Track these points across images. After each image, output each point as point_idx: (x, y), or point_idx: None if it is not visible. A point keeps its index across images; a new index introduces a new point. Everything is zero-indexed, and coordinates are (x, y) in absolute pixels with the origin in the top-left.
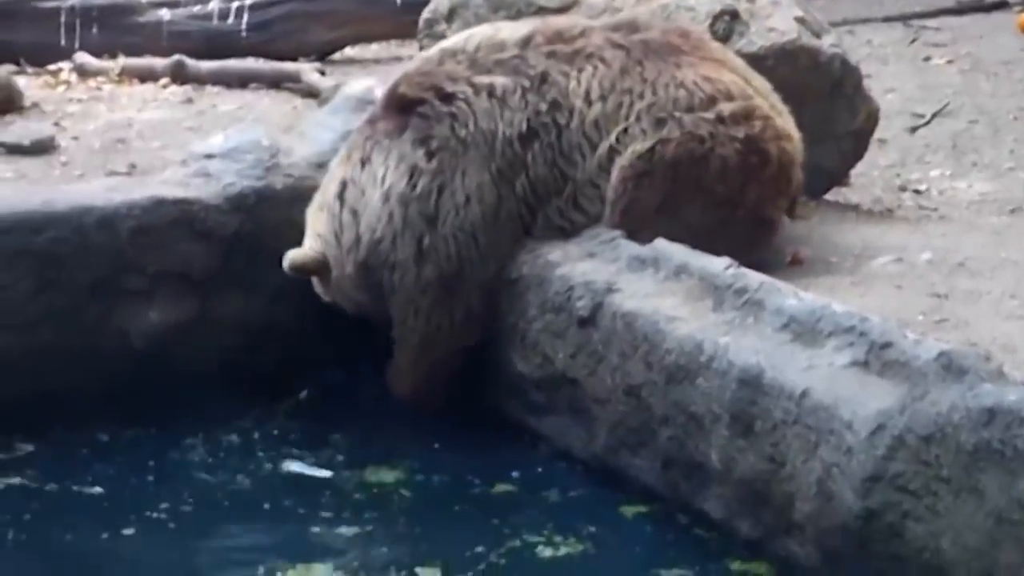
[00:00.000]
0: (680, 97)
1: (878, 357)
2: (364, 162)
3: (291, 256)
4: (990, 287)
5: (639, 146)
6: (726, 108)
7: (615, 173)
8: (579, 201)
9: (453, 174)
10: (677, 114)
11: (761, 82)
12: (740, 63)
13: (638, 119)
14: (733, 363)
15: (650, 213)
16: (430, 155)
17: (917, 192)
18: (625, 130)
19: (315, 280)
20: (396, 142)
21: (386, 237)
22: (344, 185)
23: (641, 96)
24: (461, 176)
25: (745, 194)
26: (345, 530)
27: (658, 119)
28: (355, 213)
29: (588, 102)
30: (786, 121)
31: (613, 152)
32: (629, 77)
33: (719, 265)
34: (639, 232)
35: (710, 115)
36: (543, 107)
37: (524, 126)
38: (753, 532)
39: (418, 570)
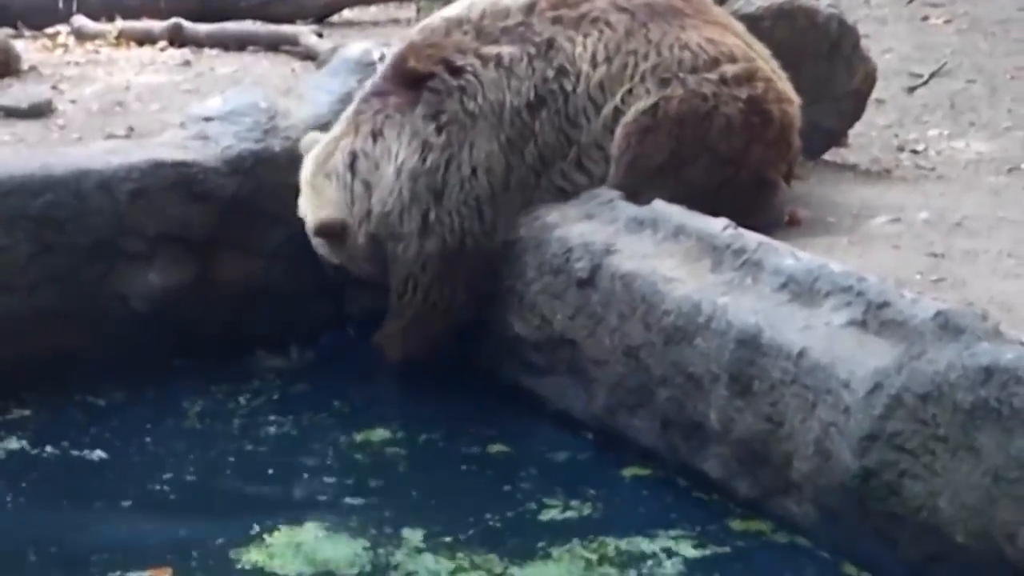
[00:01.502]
0: (684, 58)
1: (875, 316)
2: (376, 135)
3: (320, 218)
4: (987, 246)
5: (643, 104)
6: (729, 70)
7: (619, 130)
8: (583, 163)
9: (461, 147)
10: (681, 75)
11: (761, 48)
12: (741, 27)
13: (643, 80)
14: (731, 323)
15: (654, 169)
16: (440, 129)
17: (915, 152)
18: (630, 91)
19: (323, 242)
20: (408, 117)
21: (394, 210)
22: (355, 157)
23: (646, 57)
24: (469, 149)
25: (748, 154)
26: (338, 490)
27: (662, 79)
28: (367, 185)
29: (594, 65)
30: (786, 85)
31: (618, 113)
32: (634, 39)
33: (717, 226)
34: (642, 191)
35: (714, 76)
36: (550, 74)
37: (532, 94)
38: (752, 492)
39: (404, 531)
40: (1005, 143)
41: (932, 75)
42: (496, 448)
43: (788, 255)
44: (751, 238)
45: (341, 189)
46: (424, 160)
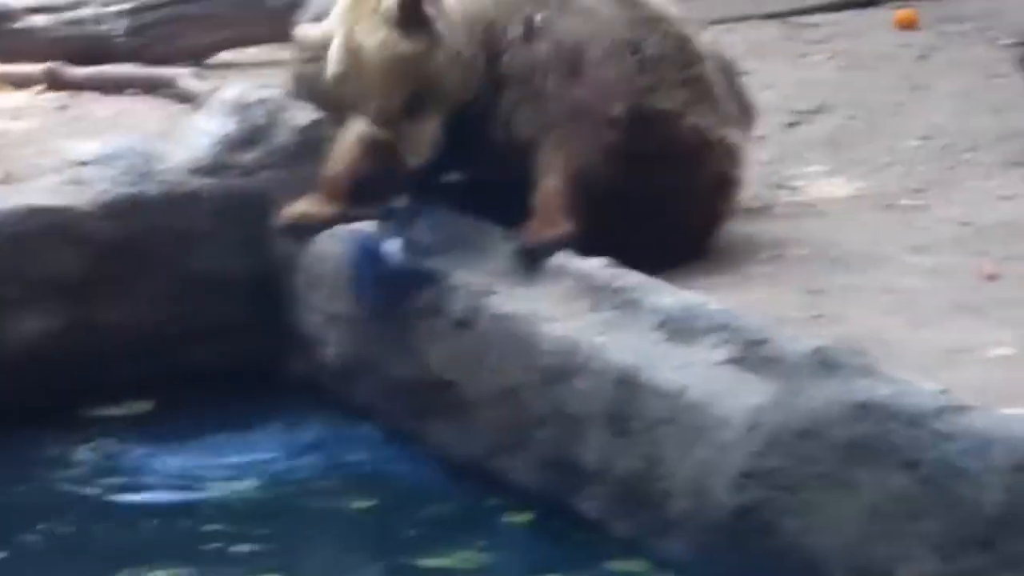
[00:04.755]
0: None
1: (753, 354)
2: None
3: None
4: (866, 282)
5: None
6: None
7: None
8: None
9: None
10: None
11: None
12: None
13: None
14: (609, 363)
15: None
16: None
17: (794, 188)
18: None
19: None
20: None
21: None
22: None
23: None
24: None
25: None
26: (198, 549)
27: None
28: None
29: None
30: None
31: None
32: None
33: (596, 265)
34: None
35: None
36: None
37: None
38: (630, 531)
39: None
40: (884, 179)
41: (812, 112)
42: (373, 494)
43: (666, 293)
44: (630, 277)
45: None
46: None
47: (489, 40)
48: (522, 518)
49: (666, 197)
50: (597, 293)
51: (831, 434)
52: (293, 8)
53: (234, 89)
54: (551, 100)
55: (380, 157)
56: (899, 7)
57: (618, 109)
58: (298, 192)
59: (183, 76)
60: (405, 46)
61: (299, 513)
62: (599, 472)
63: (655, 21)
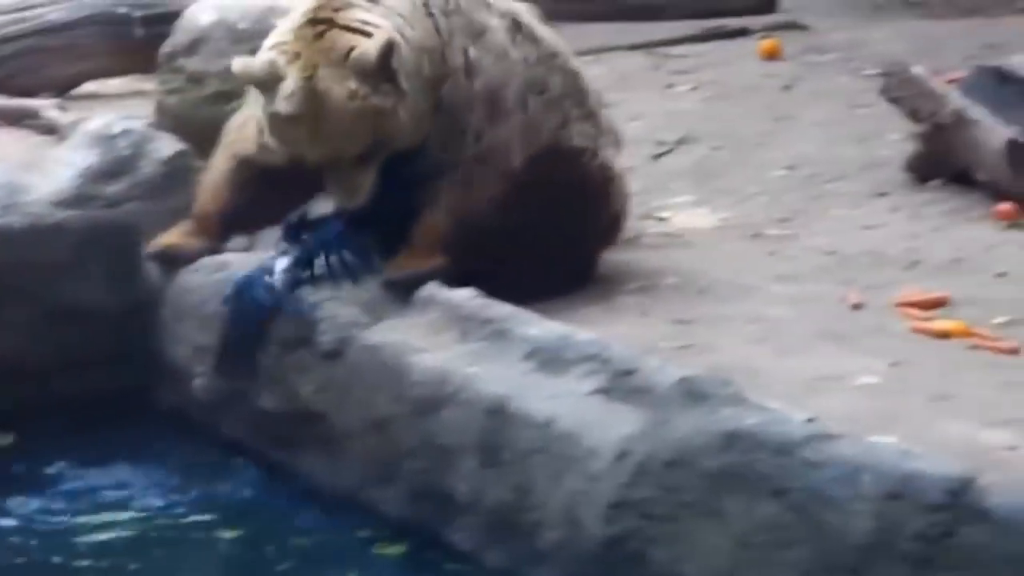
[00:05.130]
0: None
1: (621, 384)
2: None
3: None
4: (733, 312)
5: None
6: None
7: None
8: None
9: None
10: None
11: None
12: None
13: None
14: (479, 393)
15: None
16: None
17: (662, 219)
18: None
19: None
20: None
21: None
22: None
23: None
24: None
25: None
26: None
27: None
28: None
29: None
30: None
31: None
32: None
33: (464, 295)
34: None
35: None
36: None
37: None
38: (502, 562)
39: None
40: (750, 209)
41: (678, 142)
42: (244, 526)
43: (535, 324)
44: (498, 308)
45: None
46: None
47: (435, 69)
48: (394, 550)
49: (572, 231)
50: (466, 323)
51: (700, 463)
52: (157, 39)
53: (98, 120)
54: (468, 137)
55: (256, 190)
56: (763, 37)
57: (525, 155)
58: (164, 223)
59: (46, 107)
60: (377, 100)
61: (170, 547)
62: (470, 503)
63: (552, 57)
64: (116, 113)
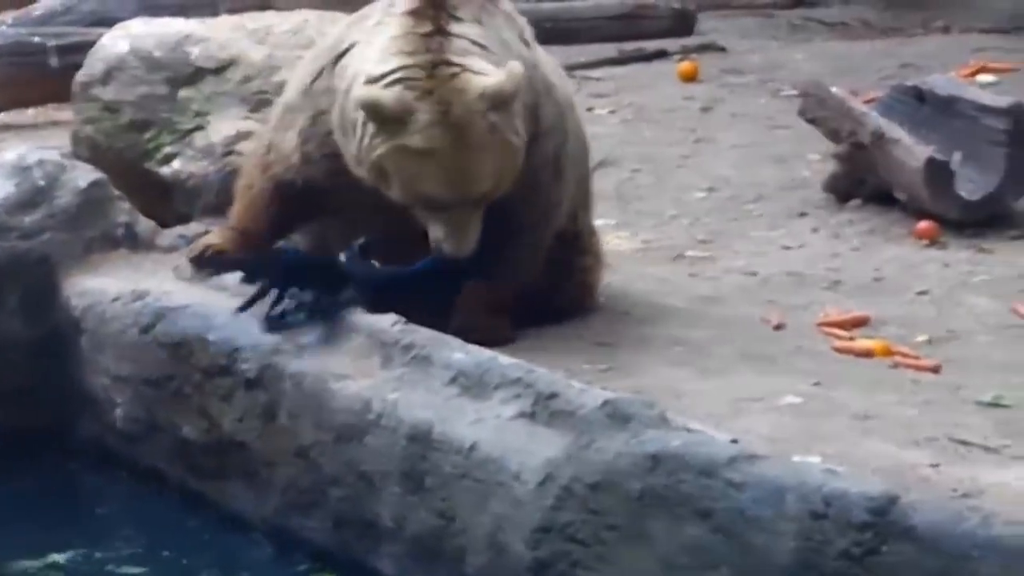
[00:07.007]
0: None
1: (545, 408)
2: None
3: None
4: (655, 333)
5: None
6: None
7: None
8: None
9: None
10: None
11: None
12: None
13: None
14: (402, 419)
15: None
16: None
17: None
18: None
19: None
20: None
21: None
22: None
23: None
24: None
25: None
26: None
27: None
28: None
29: None
30: None
31: None
32: None
33: (386, 322)
34: None
35: None
36: None
37: None
38: None
39: None
40: (671, 231)
41: (598, 165)
42: (163, 557)
43: (458, 349)
44: (421, 333)
45: None
46: None
47: (531, 125)
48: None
49: (559, 292)
50: (389, 349)
51: (624, 486)
52: (72, 69)
53: (13, 151)
54: (542, 196)
55: (297, 212)
56: (681, 59)
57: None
58: (81, 253)
59: None
60: (511, 136)
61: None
62: (395, 529)
63: (571, 108)
64: (31, 143)
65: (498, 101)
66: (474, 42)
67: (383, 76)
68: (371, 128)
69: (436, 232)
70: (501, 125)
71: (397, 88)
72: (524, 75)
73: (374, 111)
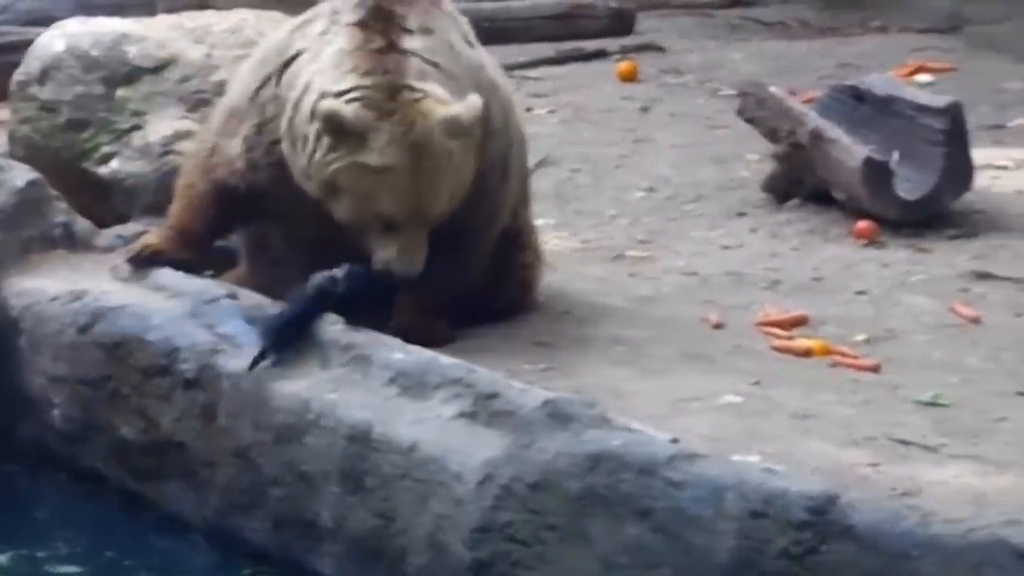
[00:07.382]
0: None
1: (485, 407)
2: None
3: None
4: (595, 333)
5: None
6: None
7: None
8: None
9: None
10: None
11: None
12: None
13: None
14: (341, 419)
15: None
16: None
17: None
18: None
19: None
20: None
21: None
22: None
23: None
24: None
25: None
26: None
27: None
28: None
29: None
30: None
31: None
32: None
33: (325, 322)
34: None
35: None
36: None
37: None
38: None
39: None
40: (610, 231)
41: (537, 165)
42: (103, 558)
43: (397, 349)
44: (360, 334)
45: None
46: None
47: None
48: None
49: (499, 289)
50: (328, 349)
51: (564, 486)
52: (8, 68)
53: None
54: (487, 201)
55: (236, 213)
56: (620, 59)
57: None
58: (18, 253)
59: None
60: (468, 161)
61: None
62: (335, 529)
63: (512, 107)
64: None
65: (457, 131)
66: (427, 60)
67: (341, 94)
68: (326, 142)
69: (385, 252)
70: (458, 152)
71: (356, 106)
72: (482, 108)
73: (335, 125)
